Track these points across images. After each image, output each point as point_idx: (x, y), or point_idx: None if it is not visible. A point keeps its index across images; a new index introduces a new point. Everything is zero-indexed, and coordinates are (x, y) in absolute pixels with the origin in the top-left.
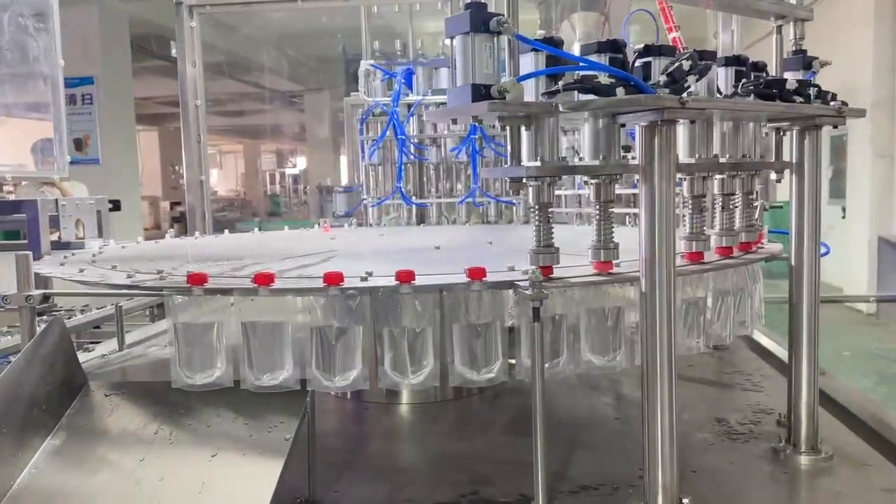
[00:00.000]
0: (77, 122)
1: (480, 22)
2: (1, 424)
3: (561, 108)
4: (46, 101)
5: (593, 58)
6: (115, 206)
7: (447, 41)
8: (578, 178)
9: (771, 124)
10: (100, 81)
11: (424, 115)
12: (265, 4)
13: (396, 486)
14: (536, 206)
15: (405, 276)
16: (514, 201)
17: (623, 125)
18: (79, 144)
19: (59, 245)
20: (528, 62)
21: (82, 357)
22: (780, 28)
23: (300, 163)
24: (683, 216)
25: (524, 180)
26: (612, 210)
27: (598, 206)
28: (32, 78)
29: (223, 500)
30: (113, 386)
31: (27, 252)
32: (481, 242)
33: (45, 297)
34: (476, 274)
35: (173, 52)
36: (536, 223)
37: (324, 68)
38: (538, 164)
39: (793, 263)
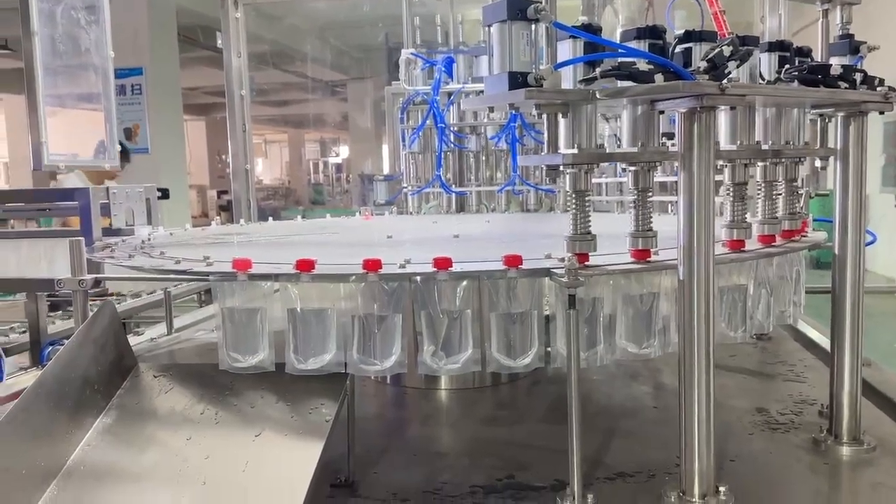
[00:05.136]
0: (127, 112)
1: (517, 9)
2: (56, 403)
3: (598, 96)
4: (97, 91)
5: (633, 44)
6: (164, 194)
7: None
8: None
9: (815, 111)
10: (148, 72)
11: (462, 103)
12: None
13: (434, 469)
14: (573, 194)
15: (442, 264)
16: (554, 189)
17: (662, 112)
18: (128, 134)
19: (109, 232)
20: (567, 49)
21: (133, 340)
22: (825, 12)
23: (343, 152)
24: (724, 204)
25: (561, 168)
26: (651, 197)
27: (636, 194)
28: (84, 69)
29: (266, 478)
30: (161, 368)
31: (80, 238)
32: (529, 230)
33: (97, 282)
34: (512, 261)
35: (219, 42)
36: (574, 210)
37: (366, 57)
38: (575, 151)
39: (836, 252)
